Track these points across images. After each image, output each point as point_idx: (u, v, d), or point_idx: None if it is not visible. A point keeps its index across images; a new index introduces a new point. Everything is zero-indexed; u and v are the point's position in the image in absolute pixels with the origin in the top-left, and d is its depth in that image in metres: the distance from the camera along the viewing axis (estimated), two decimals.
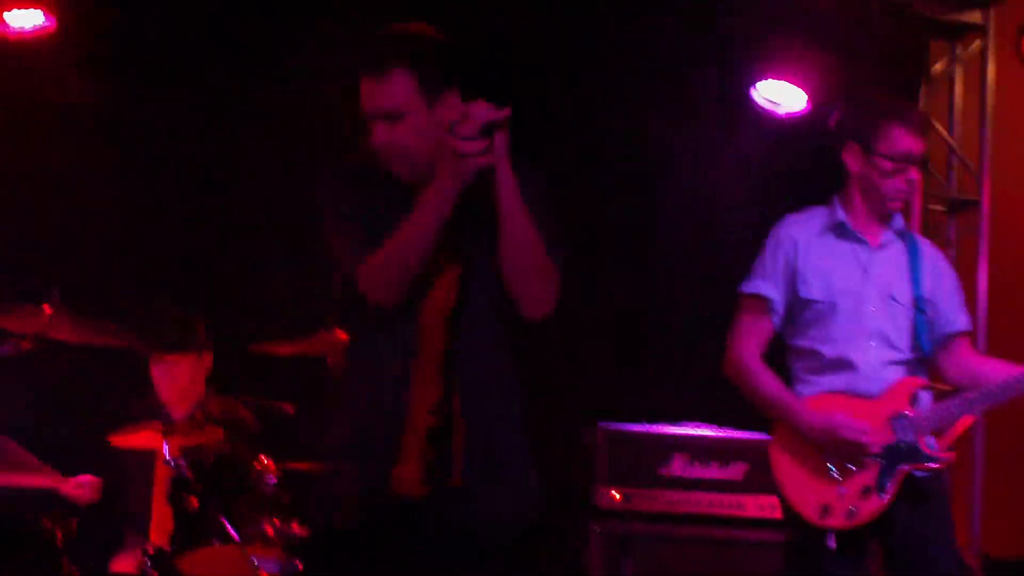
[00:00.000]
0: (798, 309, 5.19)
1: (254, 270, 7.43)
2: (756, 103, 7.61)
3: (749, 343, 5.21)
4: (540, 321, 4.02)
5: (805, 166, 7.16)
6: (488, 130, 3.82)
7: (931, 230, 7.66)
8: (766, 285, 5.21)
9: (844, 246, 5.19)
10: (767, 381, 5.16)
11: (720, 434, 6.90)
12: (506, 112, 3.81)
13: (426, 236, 3.87)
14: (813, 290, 5.15)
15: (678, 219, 7.79)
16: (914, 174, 5.13)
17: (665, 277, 7.86)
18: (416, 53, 3.98)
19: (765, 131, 7.61)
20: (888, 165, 5.10)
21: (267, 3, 7.32)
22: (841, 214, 5.20)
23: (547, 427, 6.96)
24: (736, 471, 6.81)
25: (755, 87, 7.60)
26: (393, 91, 3.94)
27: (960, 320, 5.27)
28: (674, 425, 6.90)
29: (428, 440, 3.90)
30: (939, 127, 8.00)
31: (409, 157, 3.98)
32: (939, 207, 8.10)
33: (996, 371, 5.19)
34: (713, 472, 6.81)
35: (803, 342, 5.19)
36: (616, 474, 6.74)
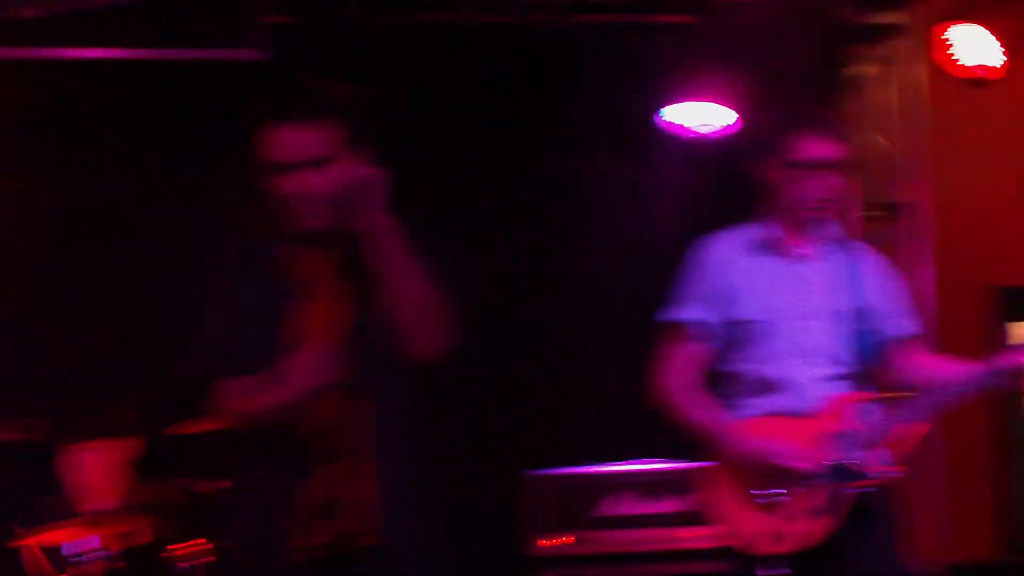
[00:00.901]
0: (732, 331, 4.99)
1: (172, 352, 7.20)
2: (671, 124, 7.43)
3: (678, 371, 5.01)
4: (434, 362, 4.04)
5: (729, 185, 7.03)
6: (359, 190, 3.92)
7: (871, 234, 7.49)
8: (693, 309, 5.02)
9: (775, 262, 5.01)
10: (700, 408, 4.97)
11: (653, 467, 6.72)
12: (371, 172, 3.94)
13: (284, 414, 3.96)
14: (749, 310, 4.96)
15: (602, 250, 7.57)
16: (833, 179, 4.95)
17: (593, 315, 7.63)
18: (343, 104, 4.08)
19: (686, 153, 7.43)
20: (801, 173, 4.93)
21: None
22: (768, 229, 5.03)
23: (482, 479, 6.85)
24: (674, 504, 6.65)
25: (668, 107, 7.42)
26: (323, 138, 4.00)
27: (905, 324, 5.09)
28: (617, 463, 6.73)
29: (321, 511, 3.91)
30: (870, 132, 7.89)
31: (322, 206, 4.00)
32: (877, 211, 7.96)
33: (945, 371, 5.02)
34: (649, 507, 6.65)
35: (739, 365, 4.99)
36: (549, 521, 6.59)
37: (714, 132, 7.40)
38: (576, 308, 7.53)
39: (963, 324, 7.85)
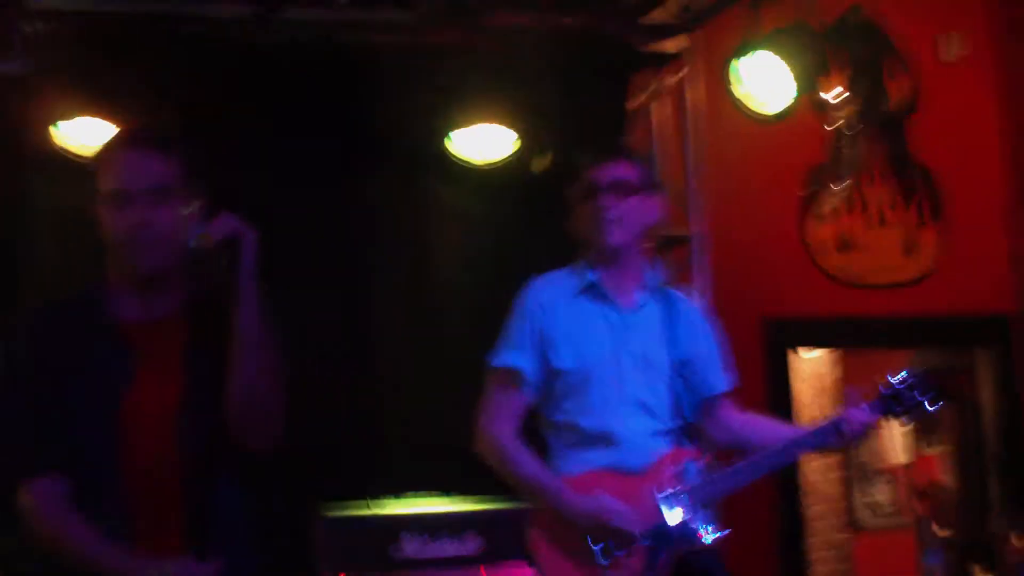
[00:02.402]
0: (551, 380, 4.78)
1: None
2: (458, 154, 7.12)
3: (502, 420, 4.79)
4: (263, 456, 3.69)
5: (521, 216, 6.82)
6: (231, 245, 3.52)
7: None
8: (515, 356, 4.80)
9: (595, 309, 4.81)
10: (525, 462, 4.74)
11: (450, 508, 6.48)
12: (251, 230, 3.55)
13: None
14: (564, 359, 4.76)
15: (398, 284, 7.21)
16: (603, 200, 4.74)
17: (386, 348, 7.27)
18: (184, 139, 3.76)
19: (479, 182, 7.14)
20: (595, 197, 4.76)
21: None
22: (591, 273, 4.80)
23: (275, 517, 6.44)
24: (470, 545, 6.42)
25: (455, 137, 7.11)
26: (170, 167, 3.62)
27: (720, 381, 4.95)
28: (405, 499, 6.47)
29: None
30: (649, 162, 7.72)
31: (161, 243, 3.60)
32: (650, 243, 7.77)
33: (762, 432, 4.90)
34: (446, 548, 6.41)
35: (560, 416, 4.79)
36: (342, 561, 6.27)
37: (502, 158, 7.12)
38: (375, 336, 7.15)
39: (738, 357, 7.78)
